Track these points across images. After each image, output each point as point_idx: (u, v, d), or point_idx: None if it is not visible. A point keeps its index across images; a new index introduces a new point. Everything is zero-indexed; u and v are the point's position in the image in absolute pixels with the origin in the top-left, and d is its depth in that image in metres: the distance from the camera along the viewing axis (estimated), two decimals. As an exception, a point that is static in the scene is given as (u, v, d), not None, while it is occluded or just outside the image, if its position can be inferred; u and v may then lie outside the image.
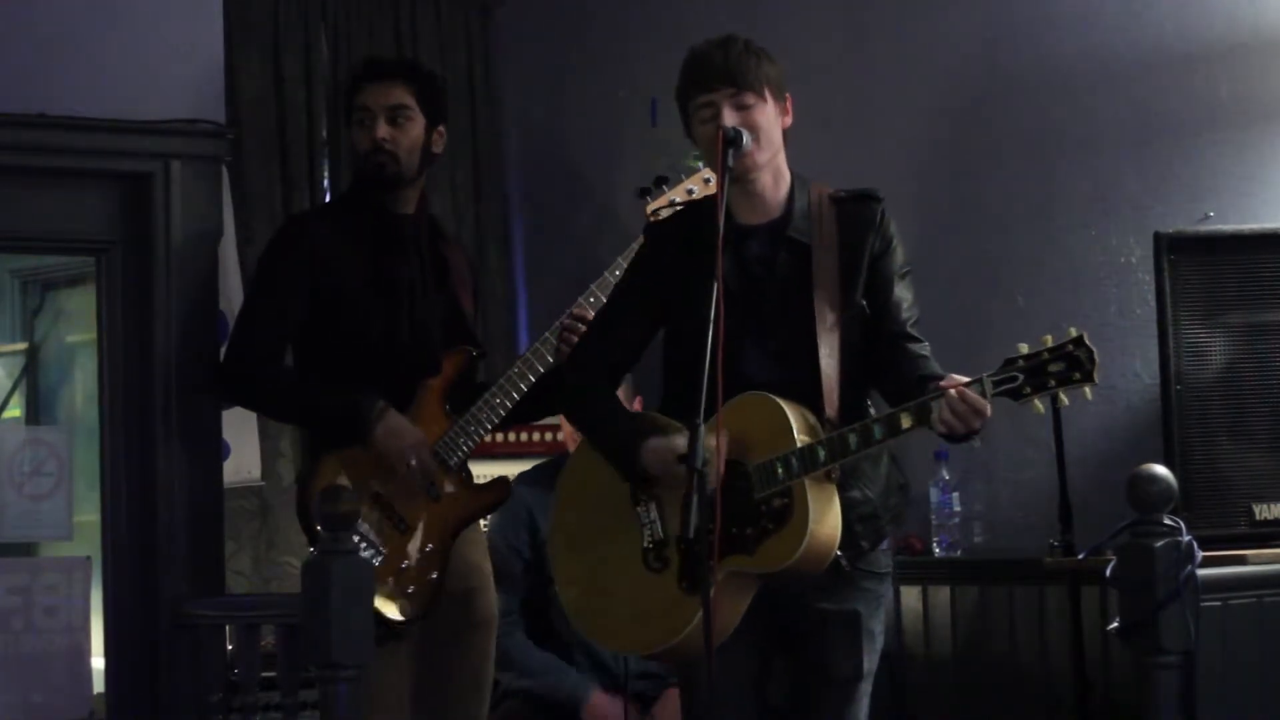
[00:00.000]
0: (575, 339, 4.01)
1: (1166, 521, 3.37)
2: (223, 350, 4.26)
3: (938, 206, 5.32)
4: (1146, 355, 4.72)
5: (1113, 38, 5.02)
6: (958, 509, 5.11)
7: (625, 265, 3.99)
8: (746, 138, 3.52)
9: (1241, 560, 3.99)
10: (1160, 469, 3.40)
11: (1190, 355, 4.27)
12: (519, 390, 4.05)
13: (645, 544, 3.61)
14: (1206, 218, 4.76)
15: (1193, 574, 3.33)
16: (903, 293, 3.62)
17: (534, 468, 4.95)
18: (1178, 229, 4.40)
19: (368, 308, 4.06)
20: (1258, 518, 4.23)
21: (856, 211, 3.63)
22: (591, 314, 4.02)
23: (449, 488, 4.04)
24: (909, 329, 3.61)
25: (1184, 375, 4.26)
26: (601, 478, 3.67)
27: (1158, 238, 4.33)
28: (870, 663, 3.64)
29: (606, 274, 4.06)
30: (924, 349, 3.60)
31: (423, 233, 4.16)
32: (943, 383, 3.41)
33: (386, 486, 3.99)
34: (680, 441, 3.45)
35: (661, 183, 4.08)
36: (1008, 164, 5.22)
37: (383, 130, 4.09)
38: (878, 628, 3.66)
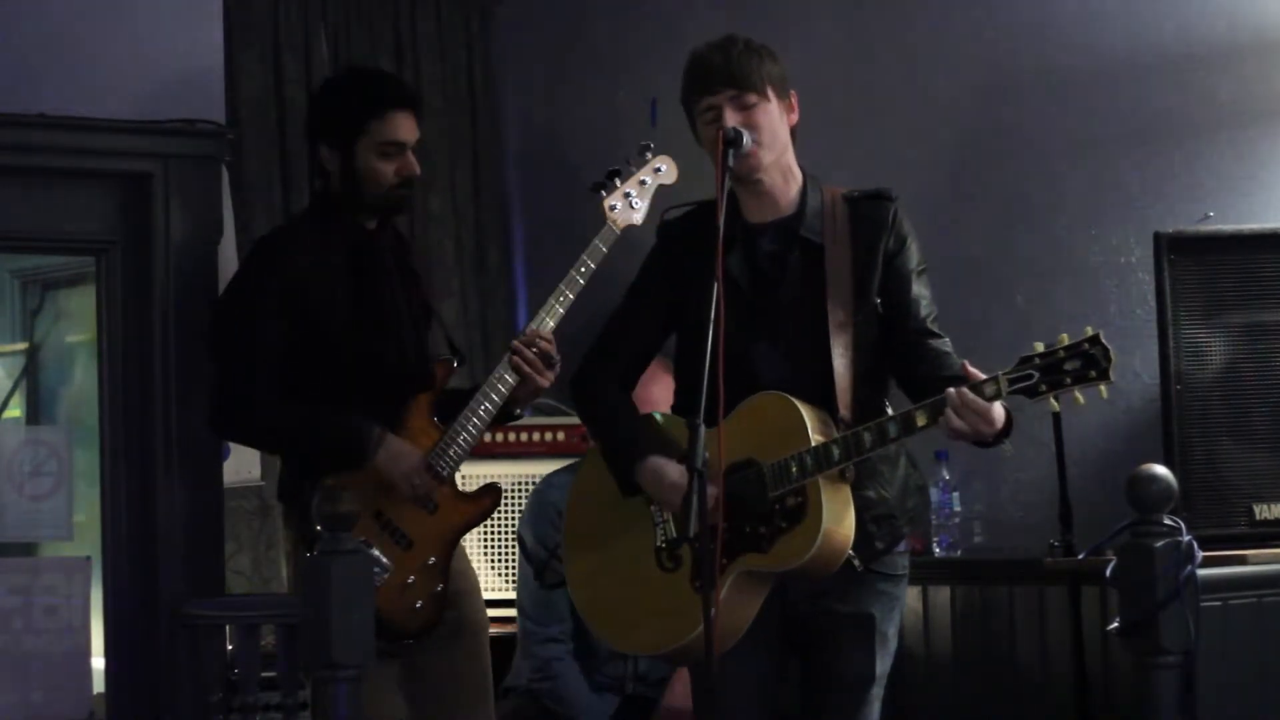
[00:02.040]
0: (525, 365, 3.98)
1: (1166, 521, 3.36)
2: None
3: (938, 206, 5.32)
4: (1146, 355, 4.71)
5: (1113, 38, 5.01)
6: (958, 509, 5.11)
7: (590, 263, 3.99)
8: (747, 138, 3.53)
9: (1241, 560, 3.98)
10: (1160, 469, 3.40)
11: (1190, 355, 4.27)
12: (500, 394, 4.02)
13: (658, 543, 3.63)
14: (1206, 218, 4.76)
15: (1193, 574, 3.33)
16: (920, 290, 3.63)
17: (565, 467, 4.94)
18: (1178, 229, 4.40)
19: (354, 326, 4.04)
20: (1258, 518, 4.22)
21: (870, 211, 3.64)
22: (548, 332, 4.00)
23: (444, 499, 4.03)
24: (929, 325, 3.62)
25: (1184, 375, 4.26)
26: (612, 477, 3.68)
27: (1158, 238, 4.32)
28: (883, 666, 3.64)
29: (573, 273, 4.03)
30: (945, 345, 3.61)
31: (391, 247, 4.15)
32: (962, 365, 3.42)
33: (386, 504, 3.98)
34: (675, 470, 3.48)
35: (614, 175, 4.07)
36: (1008, 164, 5.22)
37: (415, 165, 4.07)
38: (891, 631, 3.66)
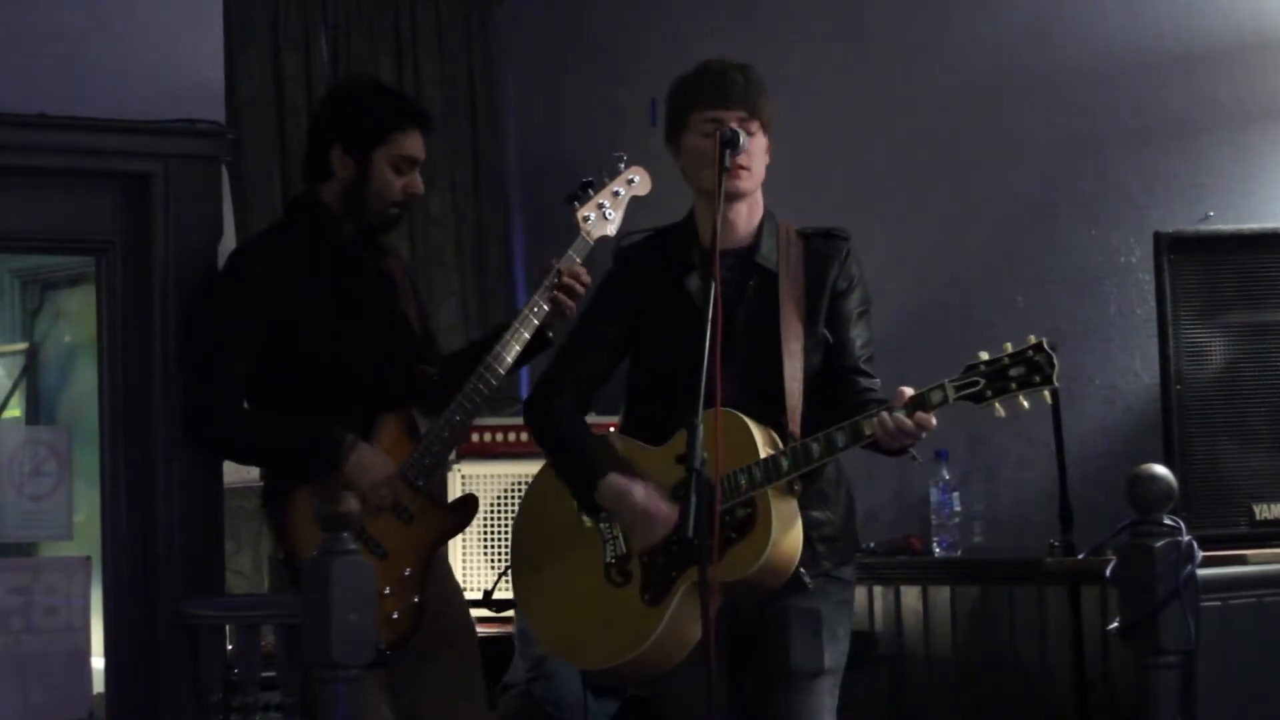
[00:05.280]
0: (567, 299, 3.99)
1: (1166, 521, 3.37)
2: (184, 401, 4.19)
3: (938, 206, 5.32)
4: (1146, 355, 4.72)
5: (1113, 38, 5.02)
6: (958, 509, 5.12)
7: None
8: (743, 139, 3.56)
9: (1241, 560, 3.98)
10: (1160, 469, 3.40)
11: (1190, 355, 4.27)
12: (475, 405, 4.03)
13: (607, 559, 3.69)
14: (1206, 218, 4.76)
15: (1193, 574, 3.33)
16: (859, 331, 3.74)
17: None
18: (1178, 229, 4.40)
19: (332, 334, 4.04)
20: (1258, 518, 4.22)
21: (823, 247, 3.75)
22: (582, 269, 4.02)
23: (419, 509, 4.03)
24: (861, 364, 3.72)
25: (1184, 375, 4.26)
26: (563, 496, 3.74)
27: (1158, 238, 4.32)
28: (832, 660, 3.69)
29: (547, 283, 4.02)
30: (874, 384, 3.71)
31: (368, 253, 4.15)
32: (899, 393, 3.49)
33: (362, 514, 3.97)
34: (638, 489, 3.57)
35: (588, 186, 4.10)
36: (1008, 164, 5.22)
37: (420, 185, 4.11)
38: (841, 631, 3.73)
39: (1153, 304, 4.40)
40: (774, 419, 3.60)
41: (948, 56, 5.36)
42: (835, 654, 3.69)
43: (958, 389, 3.46)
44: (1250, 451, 4.26)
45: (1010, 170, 5.22)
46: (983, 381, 3.45)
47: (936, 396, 3.46)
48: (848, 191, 5.36)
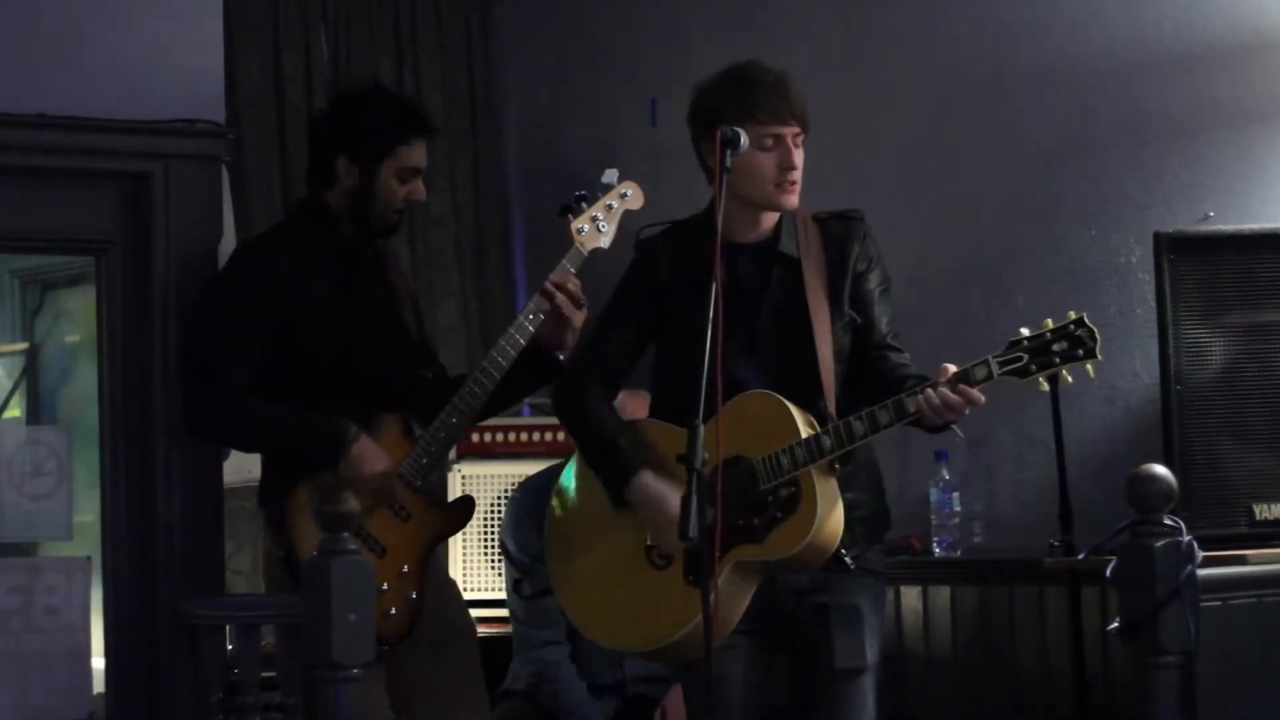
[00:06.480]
0: (562, 305, 4.02)
1: (1166, 521, 3.37)
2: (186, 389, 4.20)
3: (937, 206, 5.32)
4: (1146, 355, 4.71)
5: (1113, 38, 5.01)
6: (958, 509, 5.11)
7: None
8: (744, 139, 3.55)
9: (1241, 560, 3.98)
10: (1160, 469, 3.40)
11: (1190, 355, 4.27)
12: (471, 408, 4.05)
13: (649, 541, 3.67)
14: (1206, 218, 4.76)
15: (1193, 574, 3.33)
16: (884, 309, 3.75)
17: (540, 473, 4.93)
18: (1178, 229, 4.40)
19: (334, 332, 4.06)
20: (1258, 518, 4.22)
21: (840, 229, 3.77)
22: (574, 277, 4.06)
23: (417, 509, 4.05)
24: (891, 341, 3.73)
25: (1184, 375, 4.26)
26: (598, 483, 3.73)
27: (1158, 238, 4.32)
28: (874, 655, 3.71)
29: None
30: (905, 358, 3.72)
31: (370, 256, 4.17)
32: (942, 369, 3.50)
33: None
34: (670, 502, 3.54)
35: (581, 199, 4.13)
36: (1008, 164, 5.22)
37: (423, 192, 4.15)
38: (878, 621, 3.75)
39: (1153, 304, 4.40)
40: (810, 403, 3.61)
41: (947, 56, 5.36)
42: (875, 648, 3.72)
43: (1001, 364, 3.48)
44: (1250, 451, 4.26)
45: (1010, 170, 5.22)
46: (1026, 356, 3.47)
47: (980, 372, 3.48)
48: (847, 191, 5.30)
